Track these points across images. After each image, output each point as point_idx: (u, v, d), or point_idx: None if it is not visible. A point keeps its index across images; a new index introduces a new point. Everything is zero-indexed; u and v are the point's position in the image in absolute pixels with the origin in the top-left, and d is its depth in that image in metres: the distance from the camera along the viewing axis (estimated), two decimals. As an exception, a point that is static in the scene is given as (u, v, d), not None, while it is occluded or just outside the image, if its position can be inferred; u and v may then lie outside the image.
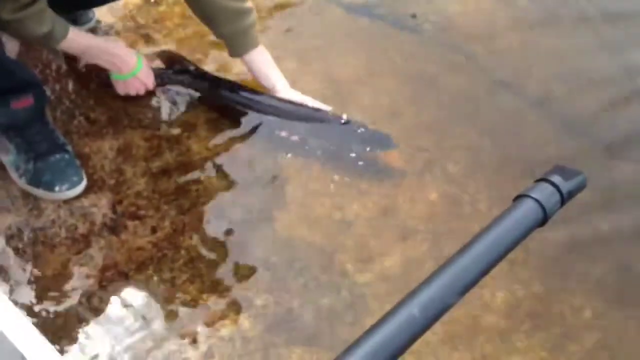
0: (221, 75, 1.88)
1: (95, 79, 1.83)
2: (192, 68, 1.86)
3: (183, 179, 1.64)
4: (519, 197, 0.90)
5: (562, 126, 1.90)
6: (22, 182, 1.57)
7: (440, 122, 1.85)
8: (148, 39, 2.04)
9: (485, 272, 0.83)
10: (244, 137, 1.75)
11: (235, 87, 1.82)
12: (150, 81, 1.78)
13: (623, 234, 1.60)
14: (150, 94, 1.81)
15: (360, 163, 1.70)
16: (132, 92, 1.77)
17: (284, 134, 1.74)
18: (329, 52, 2.06)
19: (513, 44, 2.17)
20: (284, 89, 1.80)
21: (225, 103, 1.82)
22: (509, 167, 1.74)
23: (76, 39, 1.61)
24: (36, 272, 1.43)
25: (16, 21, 1.46)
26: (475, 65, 2.07)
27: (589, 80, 2.04)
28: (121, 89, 1.77)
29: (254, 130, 1.77)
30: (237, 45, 1.77)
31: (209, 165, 1.68)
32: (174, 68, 1.86)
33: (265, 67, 1.81)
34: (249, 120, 1.79)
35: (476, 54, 2.11)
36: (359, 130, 1.72)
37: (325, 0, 2.28)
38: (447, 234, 1.57)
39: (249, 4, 1.73)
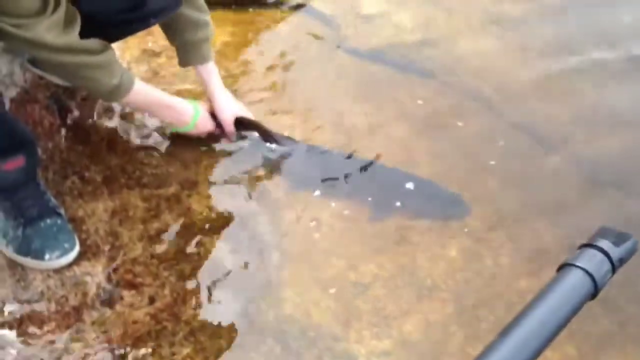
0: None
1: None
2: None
3: (184, 241, 1.52)
4: (564, 267, 0.79)
5: (584, 172, 1.78)
6: (9, 251, 1.45)
7: (457, 171, 1.74)
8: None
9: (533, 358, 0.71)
10: (250, 194, 1.65)
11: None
12: (208, 128, 1.77)
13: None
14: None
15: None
16: (195, 137, 1.78)
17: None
18: (338, 99, 1.98)
19: (526, 85, 2.08)
20: (225, 106, 1.78)
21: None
22: (531, 219, 1.62)
23: (141, 92, 1.57)
24: (22, 350, 1.30)
25: (86, 77, 1.43)
26: (489, 109, 1.97)
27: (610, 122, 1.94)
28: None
29: (262, 183, 1.68)
30: (187, 57, 1.74)
31: (211, 225, 1.56)
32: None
33: (210, 84, 1.77)
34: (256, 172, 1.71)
35: (489, 96, 2.01)
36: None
37: (333, 47, 2.21)
38: (469, 293, 1.45)
39: (207, 17, 1.70)
